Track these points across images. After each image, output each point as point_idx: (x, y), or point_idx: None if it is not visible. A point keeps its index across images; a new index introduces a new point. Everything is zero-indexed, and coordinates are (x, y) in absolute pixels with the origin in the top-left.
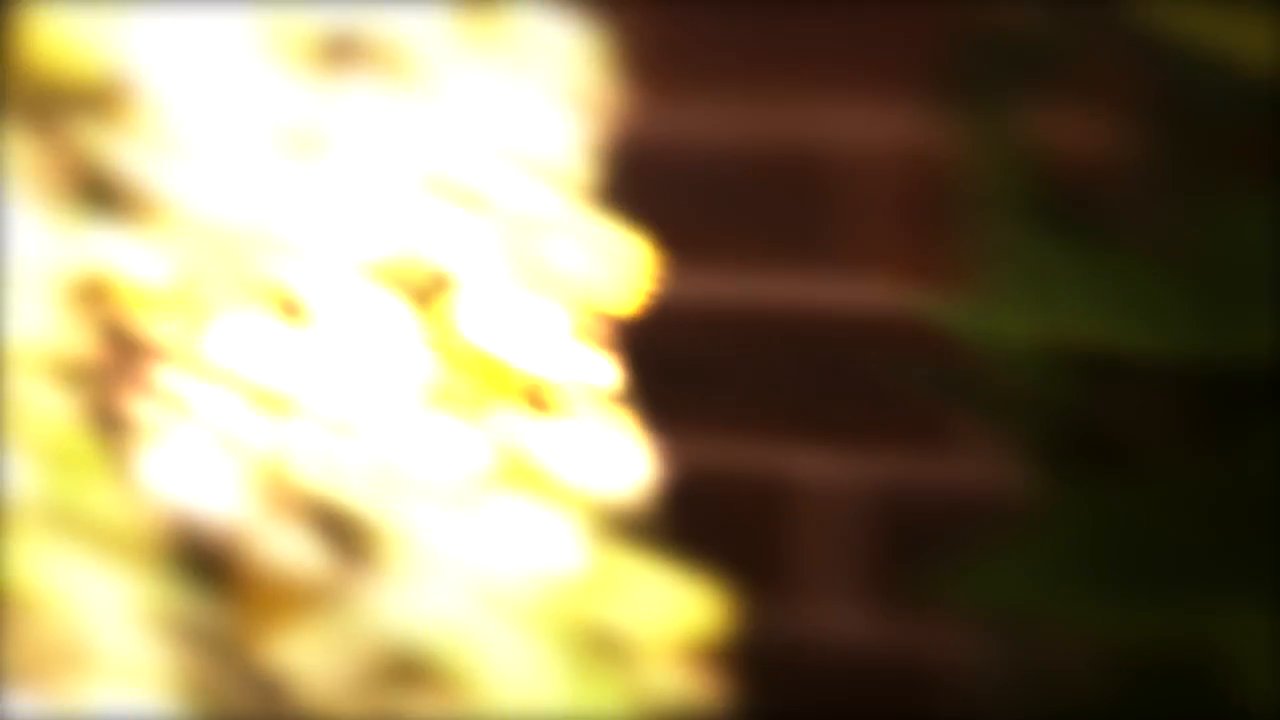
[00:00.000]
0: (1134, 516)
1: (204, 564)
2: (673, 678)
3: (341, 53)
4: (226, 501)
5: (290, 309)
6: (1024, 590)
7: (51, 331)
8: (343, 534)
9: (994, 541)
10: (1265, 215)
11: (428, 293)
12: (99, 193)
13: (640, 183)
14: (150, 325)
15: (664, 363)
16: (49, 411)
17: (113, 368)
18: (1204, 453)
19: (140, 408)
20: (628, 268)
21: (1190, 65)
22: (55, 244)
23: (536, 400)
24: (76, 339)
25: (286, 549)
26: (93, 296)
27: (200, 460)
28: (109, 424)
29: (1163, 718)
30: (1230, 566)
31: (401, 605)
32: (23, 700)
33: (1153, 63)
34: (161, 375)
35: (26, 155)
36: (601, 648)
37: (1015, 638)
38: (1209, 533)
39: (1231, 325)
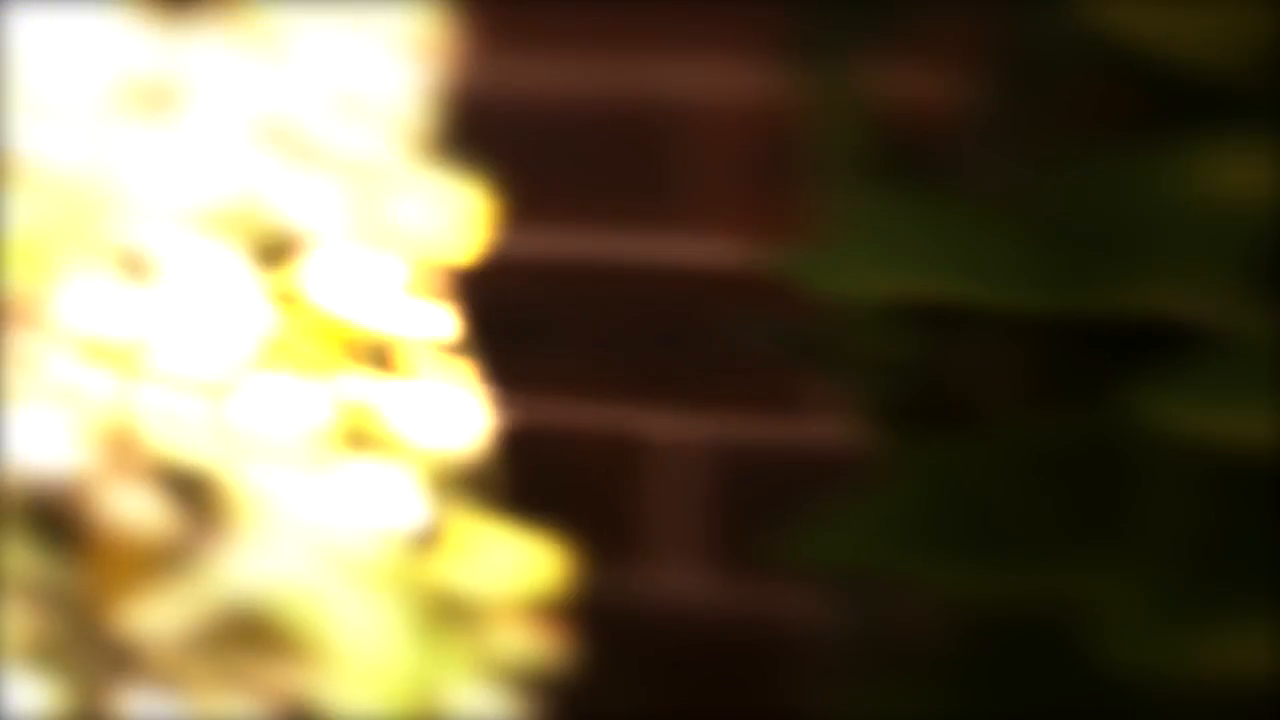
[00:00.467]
0: (977, 474)
1: (52, 525)
2: (516, 637)
3: (184, 6)
4: (73, 461)
5: (135, 266)
6: (866, 549)
7: None
8: (190, 494)
9: (838, 500)
10: (1108, 170)
11: (271, 248)
12: None
13: (482, 135)
14: None
15: (507, 319)
16: None
17: None
18: (1049, 410)
19: None
20: (468, 221)
21: (1032, 18)
22: None
23: (378, 357)
24: None
25: (134, 509)
26: None
27: (48, 419)
28: None
29: (1011, 676)
30: (1076, 524)
31: (248, 566)
32: None
33: (996, 16)
34: (9, 334)
35: None
36: (445, 607)
37: (862, 597)
38: (1053, 490)
39: (1077, 281)
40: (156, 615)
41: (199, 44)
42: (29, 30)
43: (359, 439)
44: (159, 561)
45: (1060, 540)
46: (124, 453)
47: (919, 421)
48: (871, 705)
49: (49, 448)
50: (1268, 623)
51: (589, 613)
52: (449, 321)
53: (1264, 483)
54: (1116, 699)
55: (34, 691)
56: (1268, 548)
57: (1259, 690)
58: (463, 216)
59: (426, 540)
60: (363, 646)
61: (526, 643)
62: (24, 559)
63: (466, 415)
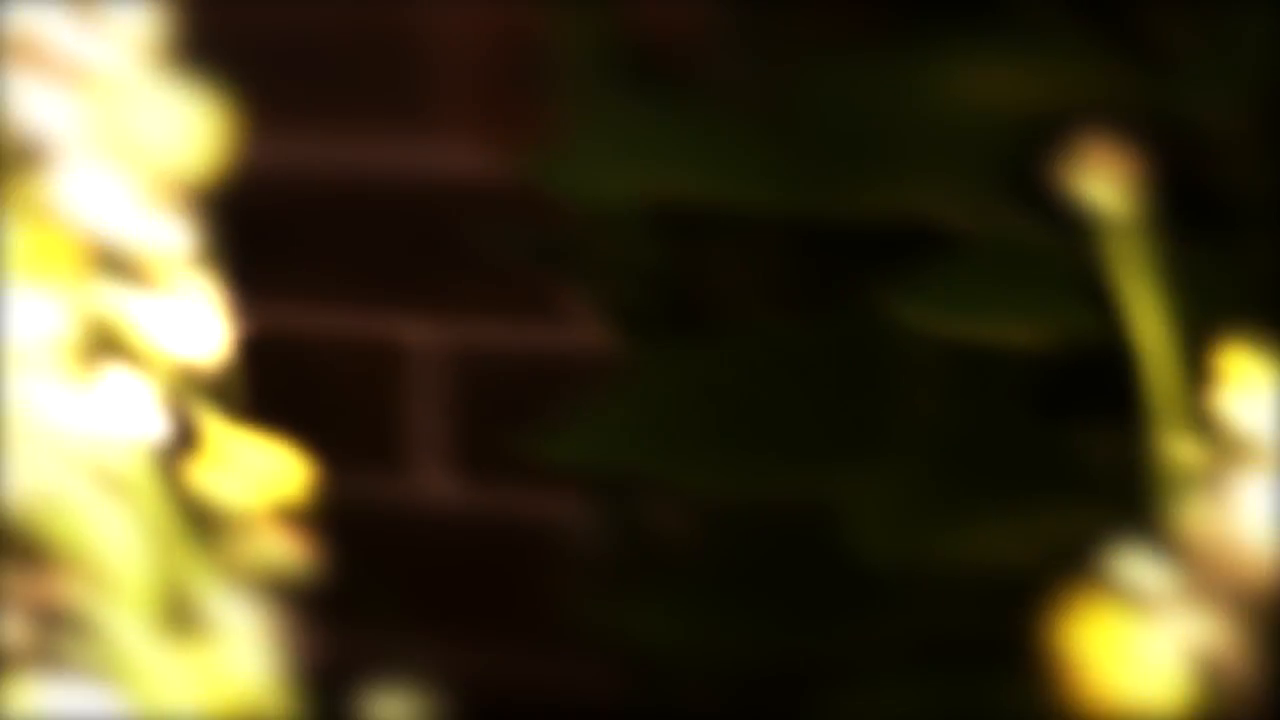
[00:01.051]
0: (721, 375)
1: None
2: (268, 547)
3: None
4: None
5: None
6: (610, 450)
7: None
8: None
9: (584, 404)
10: (855, 73)
11: (8, 158)
12: None
13: (225, 44)
14: None
15: (253, 229)
16: None
17: None
18: (797, 312)
19: None
20: (212, 132)
21: None
22: None
23: (121, 267)
24: None
25: None
26: None
27: None
28: None
29: (767, 577)
30: (827, 424)
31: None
32: None
33: None
34: None
35: None
36: (195, 515)
37: (619, 500)
38: (802, 391)
39: (824, 184)
40: None
41: None
42: None
43: (103, 349)
44: None
45: (811, 440)
46: None
47: (665, 325)
48: (628, 608)
49: None
50: (1020, 516)
51: (344, 519)
52: (193, 232)
53: (1014, 381)
54: (874, 596)
55: None
56: (1019, 444)
57: (1014, 580)
58: (208, 128)
59: (176, 449)
60: (113, 556)
61: (278, 551)
62: None
63: (212, 325)
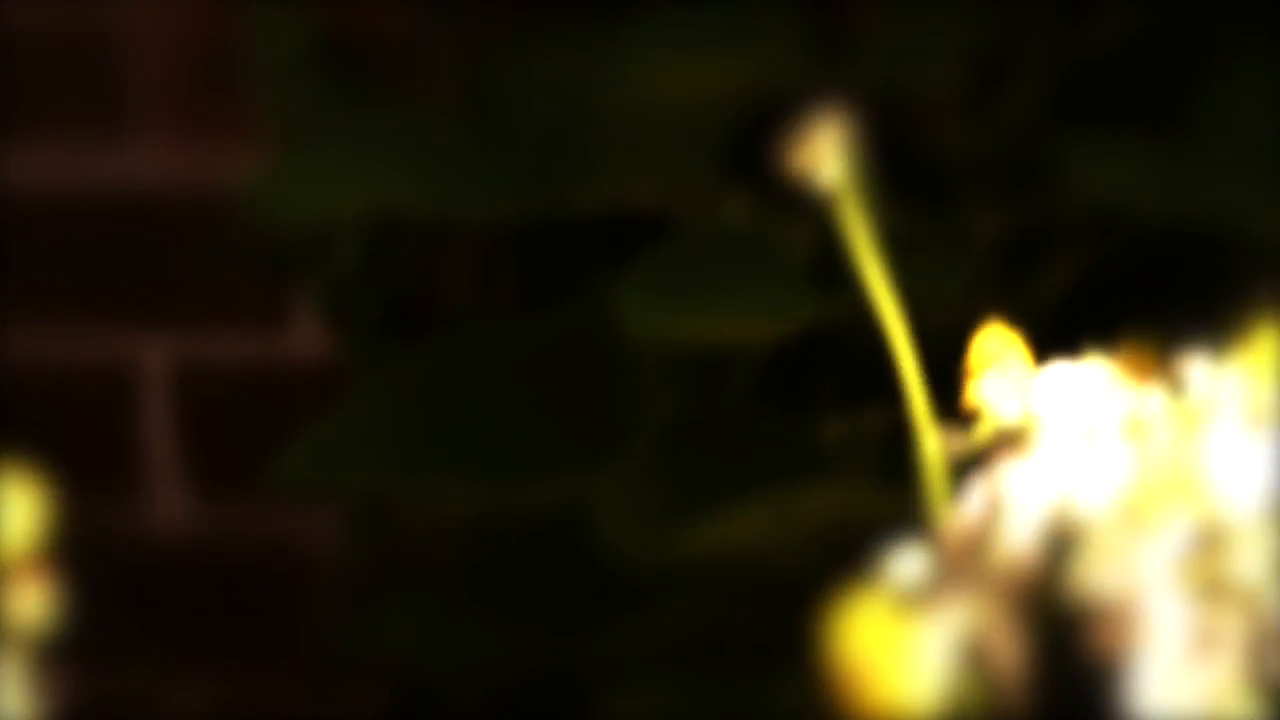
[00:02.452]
0: (448, 381)
1: None
2: (20, 595)
3: None
4: None
5: None
6: (348, 465)
7: None
8: None
9: (318, 418)
10: (560, 64)
11: None
12: None
13: None
14: None
15: None
16: None
17: None
18: (525, 313)
19: None
20: None
21: None
22: None
23: None
24: None
25: None
26: None
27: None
28: None
29: (523, 581)
30: (560, 424)
31: None
32: None
33: None
34: None
35: None
36: None
37: (366, 513)
38: (533, 391)
39: (536, 182)
40: None
41: None
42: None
43: None
44: None
45: (548, 441)
46: None
47: (393, 332)
48: (384, 622)
49: None
50: (761, 504)
51: (81, 548)
52: None
53: (748, 369)
54: (634, 596)
55: None
56: (754, 433)
57: (782, 575)
58: None
59: None
60: None
61: (29, 597)
62: None
63: None
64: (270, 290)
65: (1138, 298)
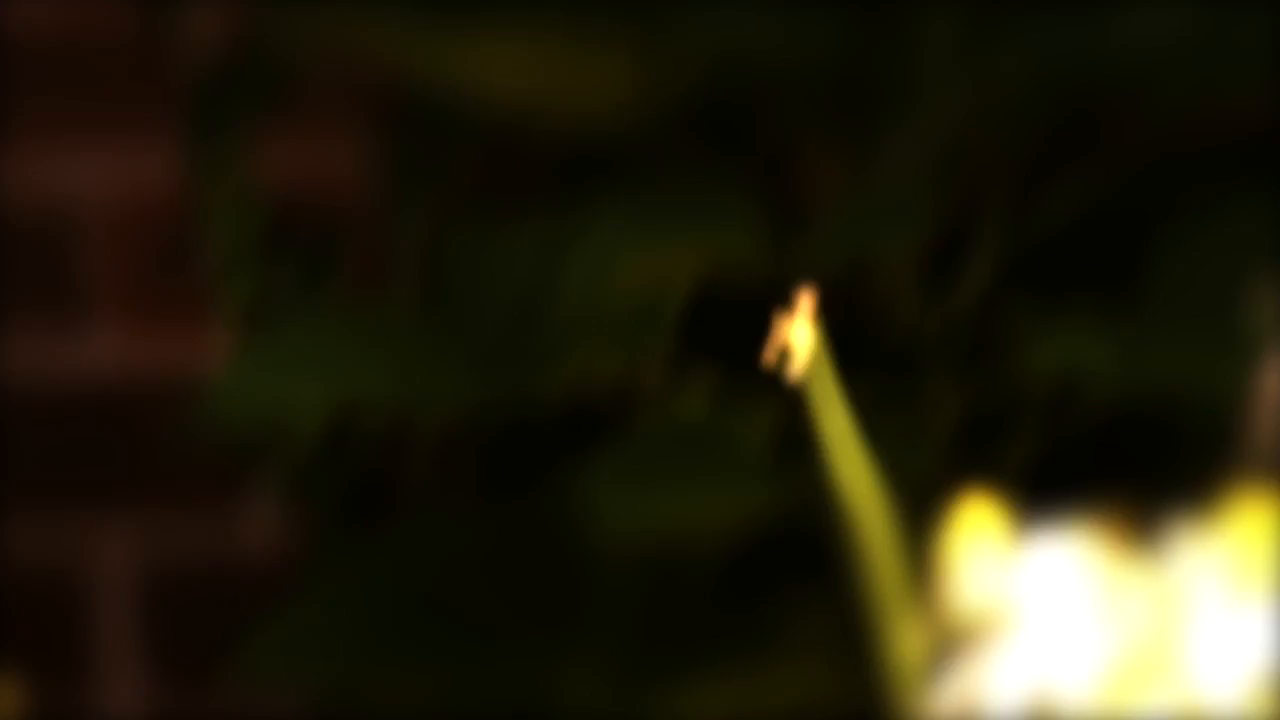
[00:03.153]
0: (415, 570)
1: None
2: None
3: None
4: None
5: None
6: (313, 658)
7: None
8: None
9: (280, 608)
10: (515, 247)
11: None
12: None
13: None
14: None
15: None
16: None
17: None
18: (487, 500)
19: None
20: None
21: (431, 92)
22: None
23: None
24: None
25: None
26: None
27: None
28: None
29: None
30: (523, 612)
31: None
32: None
33: (393, 90)
34: None
35: None
36: None
37: (334, 703)
38: (495, 580)
39: (496, 370)
40: None
41: None
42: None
43: None
44: None
45: (511, 629)
46: None
47: (349, 519)
48: None
49: None
50: (721, 685)
51: None
52: None
53: (706, 560)
54: None
55: None
56: (712, 617)
57: None
58: None
59: None
60: None
61: None
62: None
63: None
64: (227, 477)
65: (1105, 470)
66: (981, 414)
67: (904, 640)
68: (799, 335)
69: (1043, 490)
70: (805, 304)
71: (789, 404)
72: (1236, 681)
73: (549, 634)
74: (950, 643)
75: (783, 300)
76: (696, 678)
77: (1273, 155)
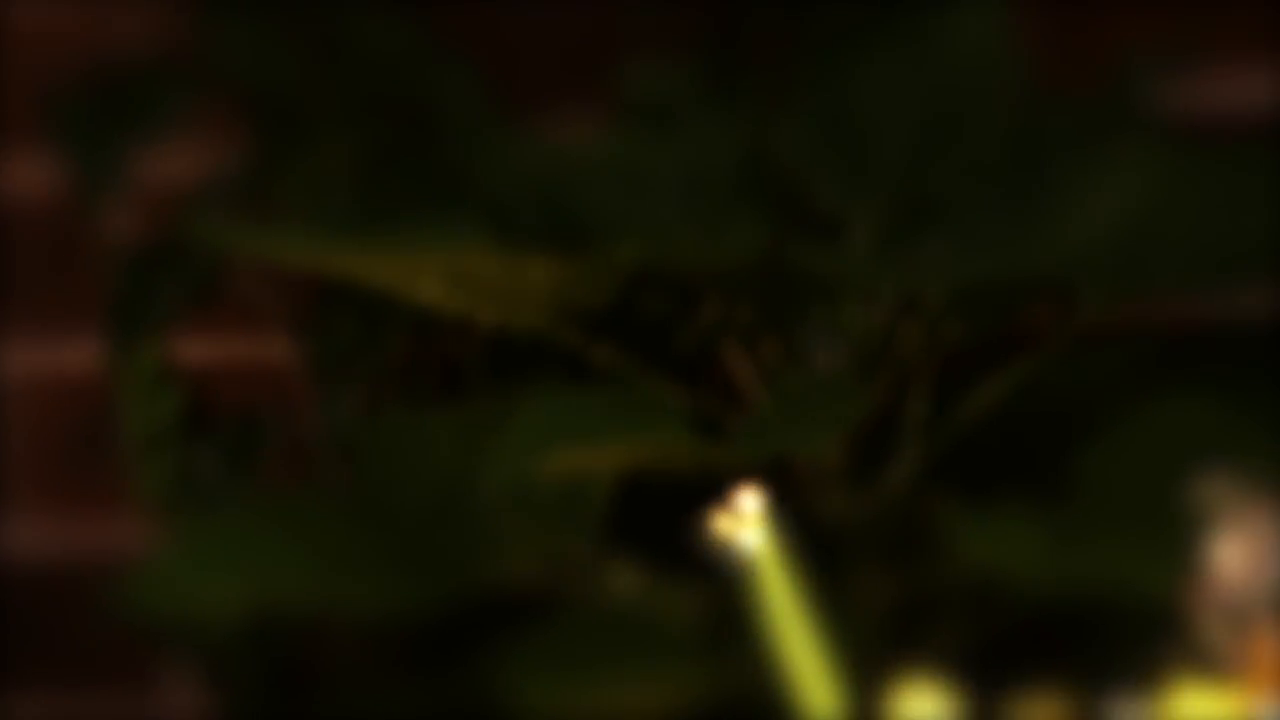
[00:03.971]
0: None
1: None
2: None
3: None
4: None
5: None
6: None
7: None
8: None
9: None
10: (439, 433)
11: None
12: None
13: None
14: None
15: None
16: None
17: None
18: (406, 684)
19: None
20: None
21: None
22: None
23: None
24: None
25: None
26: None
27: None
28: None
29: None
30: None
31: None
32: None
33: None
34: None
35: None
36: None
37: None
38: None
39: (421, 564)
40: None
41: None
42: None
43: None
44: None
45: None
46: None
47: (272, 696)
48: None
49: None
50: None
51: None
52: None
53: None
54: None
55: None
56: None
57: None
58: None
59: None
60: None
61: None
62: None
63: None
64: (143, 652)
65: (1042, 655)
66: (911, 603)
67: None
68: (747, 518)
69: (980, 673)
70: (752, 490)
71: (719, 590)
72: None
73: None
74: None
75: (711, 494)
76: None
77: (1201, 353)
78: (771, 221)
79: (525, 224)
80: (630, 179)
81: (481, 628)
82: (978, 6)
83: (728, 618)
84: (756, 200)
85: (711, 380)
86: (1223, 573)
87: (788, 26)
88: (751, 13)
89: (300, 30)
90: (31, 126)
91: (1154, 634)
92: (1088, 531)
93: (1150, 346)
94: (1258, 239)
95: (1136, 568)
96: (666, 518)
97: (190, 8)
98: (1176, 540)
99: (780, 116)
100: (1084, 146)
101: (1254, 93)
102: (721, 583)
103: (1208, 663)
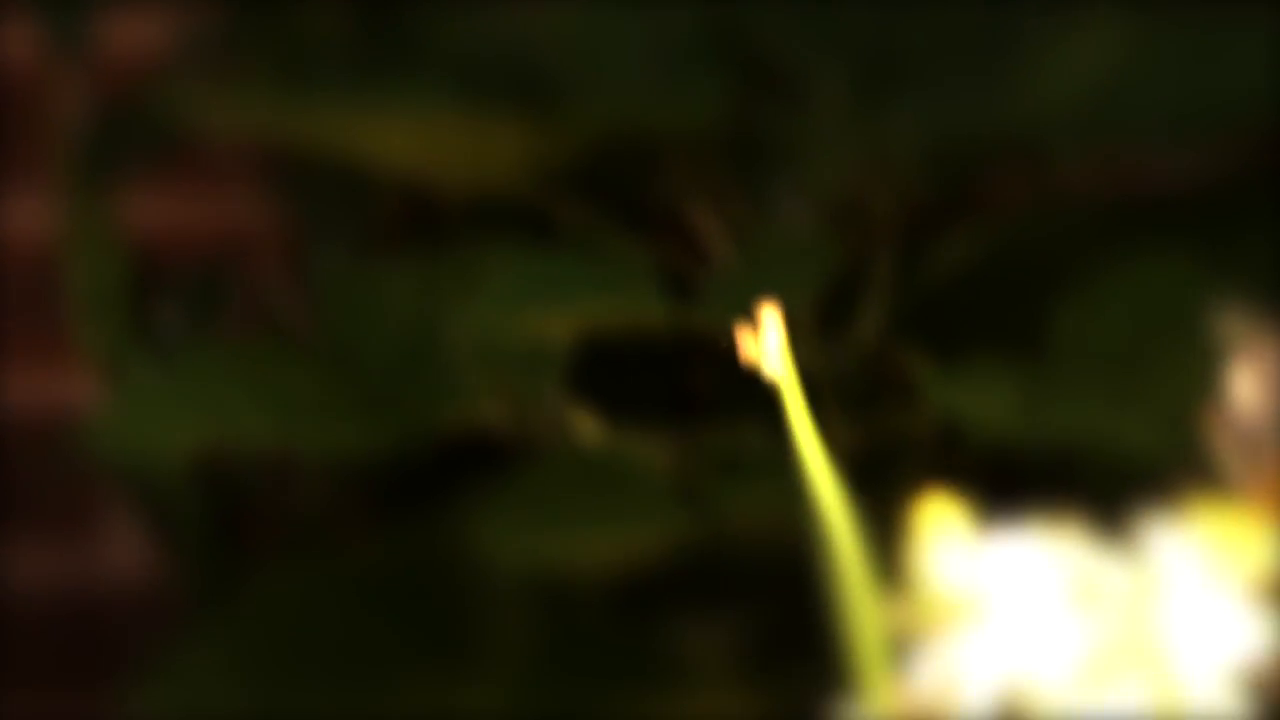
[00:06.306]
0: (305, 604)
1: None
2: None
3: None
4: None
5: None
6: (206, 696)
7: None
8: None
9: (173, 644)
10: (401, 286)
11: None
12: None
13: None
14: None
15: None
16: None
17: None
18: (379, 536)
19: None
20: None
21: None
22: None
23: None
24: None
25: None
26: None
27: None
28: None
29: None
30: (420, 646)
31: None
32: None
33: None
34: None
35: None
36: None
37: None
38: (390, 613)
39: (384, 408)
40: None
41: None
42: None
43: None
44: None
45: (403, 662)
46: None
47: (225, 546)
48: None
49: None
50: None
51: None
52: None
53: (601, 593)
54: None
55: None
56: (610, 647)
57: None
58: None
59: None
60: None
61: None
62: None
63: None
64: (87, 502)
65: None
66: (879, 452)
67: (874, 635)
68: (773, 343)
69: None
70: (775, 315)
71: (692, 440)
72: (1213, 672)
73: (445, 666)
74: (920, 636)
75: (682, 351)
76: (597, 710)
77: (1179, 211)
78: (738, 83)
79: (494, 87)
80: (597, 42)
81: (446, 479)
82: None
83: (703, 467)
84: (723, 62)
85: (680, 241)
86: (1237, 403)
87: None
88: None
89: None
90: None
91: (1149, 484)
92: (1059, 386)
93: (1123, 206)
94: (1244, 92)
95: (1113, 424)
96: (635, 371)
97: None
98: (1160, 398)
99: None
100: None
101: None
102: (694, 432)
103: (1224, 491)
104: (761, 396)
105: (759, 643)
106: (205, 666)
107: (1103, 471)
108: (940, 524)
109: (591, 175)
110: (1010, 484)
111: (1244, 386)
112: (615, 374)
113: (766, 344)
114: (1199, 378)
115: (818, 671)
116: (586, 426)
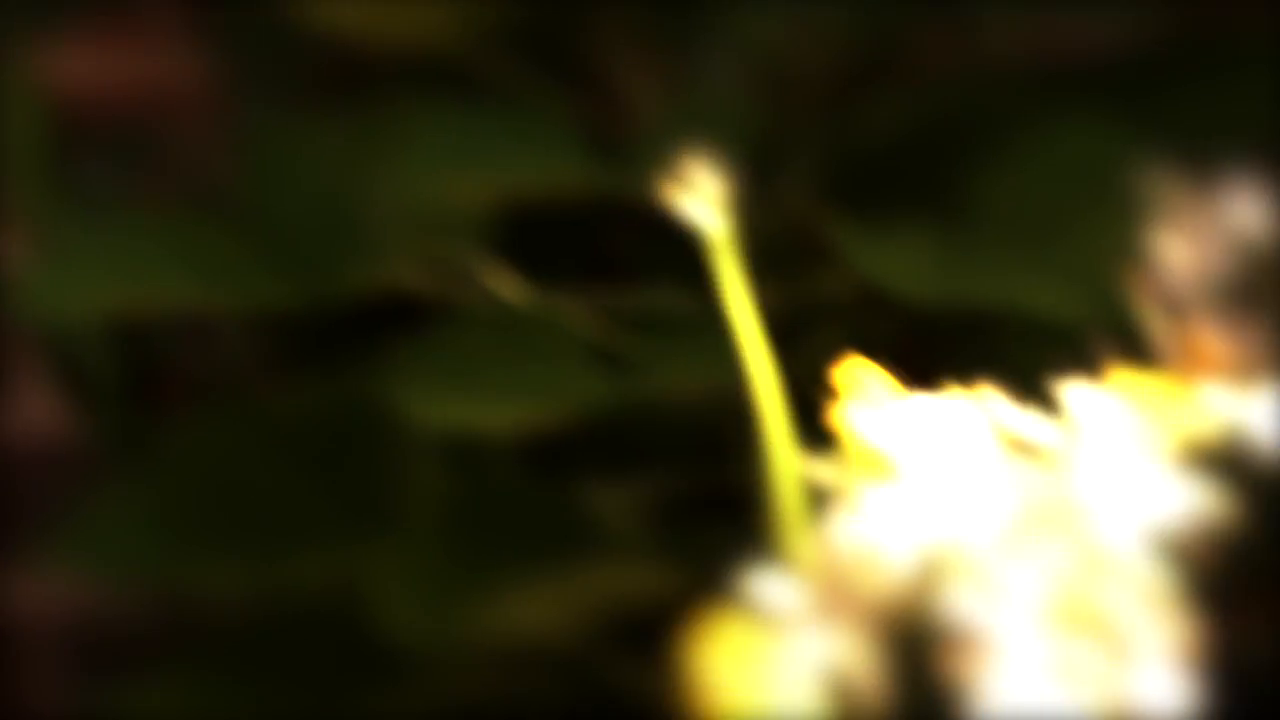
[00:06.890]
0: (216, 458)
1: None
2: None
3: None
4: None
5: None
6: (122, 552)
7: None
8: None
9: (85, 499)
10: (315, 146)
11: None
12: None
13: None
14: None
15: None
16: None
17: None
18: (290, 393)
19: None
20: None
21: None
22: None
23: None
24: None
25: None
26: None
27: None
28: None
29: (293, 662)
30: (331, 505)
31: None
32: None
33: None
34: None
35: None
36: None
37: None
38: (301, 472)
39: (297, 268)
40: None
41: None
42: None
43: None
44: None
45: (319, 521)
46: None
47: (138, 403)
48: (139, 692)
49: None
50: (536, 584)
51: None
52: None
53: (516, 454)
54: (402, 676)
55: None
56: (525, 509)
57: (541, 649)
58: None
59: None
60: None
61: None
62: None
63: None
64: (1, 361)
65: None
66: (797, 313)
67: (795, 498)
68: (702, 189)
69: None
70: (705, 162)
71: (611, 304)
72: (1135, 536)
73: (357, 524)
74: (841, 498)
75: (606, 212)
76: (509, 570)
77: (1108, 77)
78: None
79: None
80: None
81: (366, 339)
82: None
83: (624, 329)
84: None
85: (607, 101)
86: (1163, 267)
87: None
88: None
89: None
90: None
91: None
92: (977, 248)
93: (1052, 72)
94: None
95: (1030, 285)
96: (557, 232)
97: None
98: (1077, 259)
99: None
100: None
101: None
102: (616, 294)
103: (1148, 355)
104: (685, 258)
105: (675, 507)
106: (118, 520)
107: (1024, 335)
108: (862, 386)
109: (520, 34)
110: (933, 347)
111: (1170, 250)
112: (537, 235)
113: (691, 203)
114: (1118, 239)
115: (736, 536)
116: (507, 288)
